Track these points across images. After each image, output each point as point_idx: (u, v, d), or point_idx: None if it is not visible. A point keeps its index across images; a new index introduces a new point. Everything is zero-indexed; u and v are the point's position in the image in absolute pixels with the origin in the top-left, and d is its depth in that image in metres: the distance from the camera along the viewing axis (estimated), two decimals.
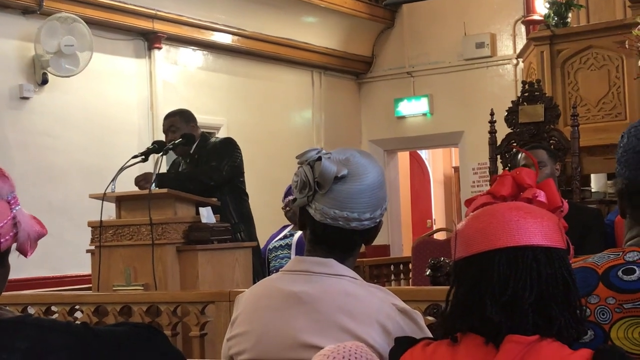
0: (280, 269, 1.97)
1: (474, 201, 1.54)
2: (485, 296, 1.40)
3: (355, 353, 1.49)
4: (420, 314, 1.86)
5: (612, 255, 1.61)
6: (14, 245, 1.60)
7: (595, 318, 1.55)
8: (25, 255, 1.62)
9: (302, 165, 1.84)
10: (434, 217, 13.18)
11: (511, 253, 1.40)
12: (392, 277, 7.25)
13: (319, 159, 1.82)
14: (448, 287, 1.52)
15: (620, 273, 1.56)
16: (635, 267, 1.56)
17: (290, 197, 4.82)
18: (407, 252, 10.25)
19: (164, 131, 5.37)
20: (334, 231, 1.84)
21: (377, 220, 1.88)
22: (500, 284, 1.39)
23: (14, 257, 1.67)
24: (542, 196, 1.50)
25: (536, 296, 1.38)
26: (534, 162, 1.82)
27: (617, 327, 1.54)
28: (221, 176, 5.11)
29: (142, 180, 4.90)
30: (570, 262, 1.49)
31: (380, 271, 7.11)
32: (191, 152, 5.28)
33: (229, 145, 5.30)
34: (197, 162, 5.25)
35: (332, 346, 1.53)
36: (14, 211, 1.58)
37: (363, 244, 1.93)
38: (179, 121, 5.33)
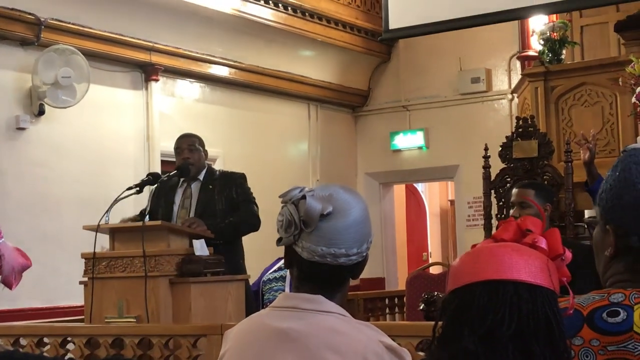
0: (269, 304, 1.98)
1: (477, 245, 1.57)
2: (464, 327, 1.41)
3: None
4: (407, 352, 1.86)
5: (597, 297, 1.62)
6: None
7: None
8: (10, 288, 1.62)
9: (287, 204, 1.85)
10: (430, 249, 13.18)
11: (492, 286, 1.41)
12: (387, 310, 7.23)
13: (303, 197, 1.83)
14: None
15: (604, 315, 1.57)
16: (619, 309, 1.56)
17: None
18: (402, 285, 10.16)
19: (180, 149, 5.30)
20: (321, 268, 1.85)
21: (364, 255, 1.89)
22: (480, 315, 1.40)
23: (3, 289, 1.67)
24: (543, 243, 1.51)
25: (516, 331, 1.38)
26: (540, 212, 1.85)
27: None
28: (259, 222, 5.31)
29: (194, 223, 4.85)
30: (567, 304, 1.49)
31: (374, 304, 7.09)
32: (202, 180, 5.28)
33: (246, 184, 5.40)
34: (212, 192, 5.23)
35: None
36: None
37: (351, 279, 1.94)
38: (199, 143, 5.35)
